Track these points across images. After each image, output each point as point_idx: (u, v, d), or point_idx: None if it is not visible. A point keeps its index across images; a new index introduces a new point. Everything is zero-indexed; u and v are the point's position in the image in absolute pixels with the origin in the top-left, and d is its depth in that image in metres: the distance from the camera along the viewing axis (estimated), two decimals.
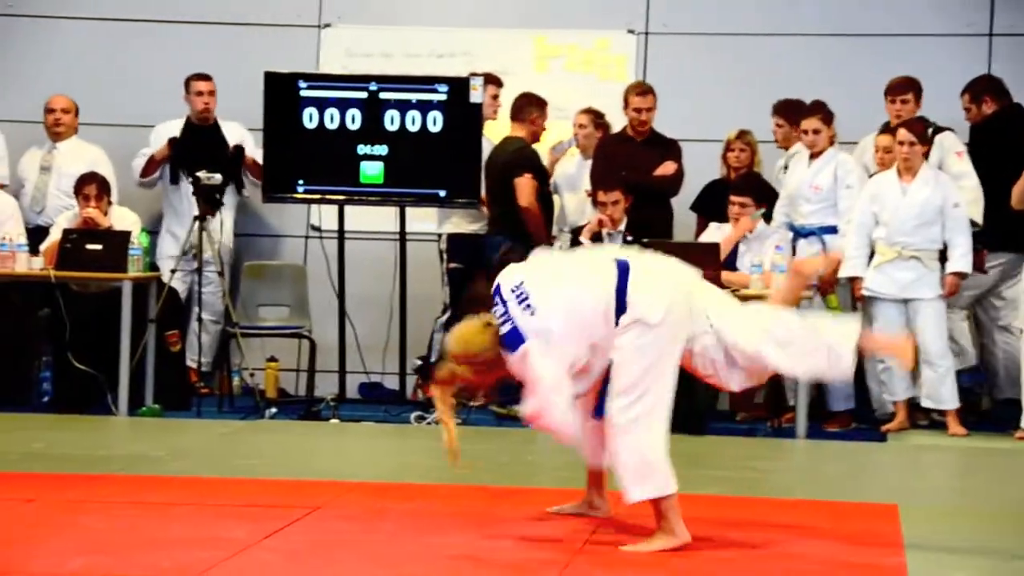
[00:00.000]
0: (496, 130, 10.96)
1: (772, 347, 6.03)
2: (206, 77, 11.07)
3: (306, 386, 10.84)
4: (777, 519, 6.79)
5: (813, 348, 6.04)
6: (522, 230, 10.36)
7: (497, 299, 5.93)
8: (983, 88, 10.61)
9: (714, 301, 6.21)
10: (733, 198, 10.23)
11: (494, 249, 10.42)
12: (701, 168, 10.78)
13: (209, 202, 10.54)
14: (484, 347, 5.94)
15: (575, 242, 10.19)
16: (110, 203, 10.49)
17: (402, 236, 10.81)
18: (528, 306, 5.86)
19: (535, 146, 10.75)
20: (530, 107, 10.67)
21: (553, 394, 5.85)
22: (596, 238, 10.19)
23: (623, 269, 6.01)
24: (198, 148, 10.97)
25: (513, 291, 5.90)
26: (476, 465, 6.54)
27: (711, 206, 10.64)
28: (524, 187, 10.44)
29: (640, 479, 5.93)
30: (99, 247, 10.12)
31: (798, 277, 6.79)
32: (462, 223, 10.92)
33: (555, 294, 5.91)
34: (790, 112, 10.65)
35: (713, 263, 9.80)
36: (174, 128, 11.10)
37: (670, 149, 10.64)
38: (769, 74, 11.28)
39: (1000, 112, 10.56)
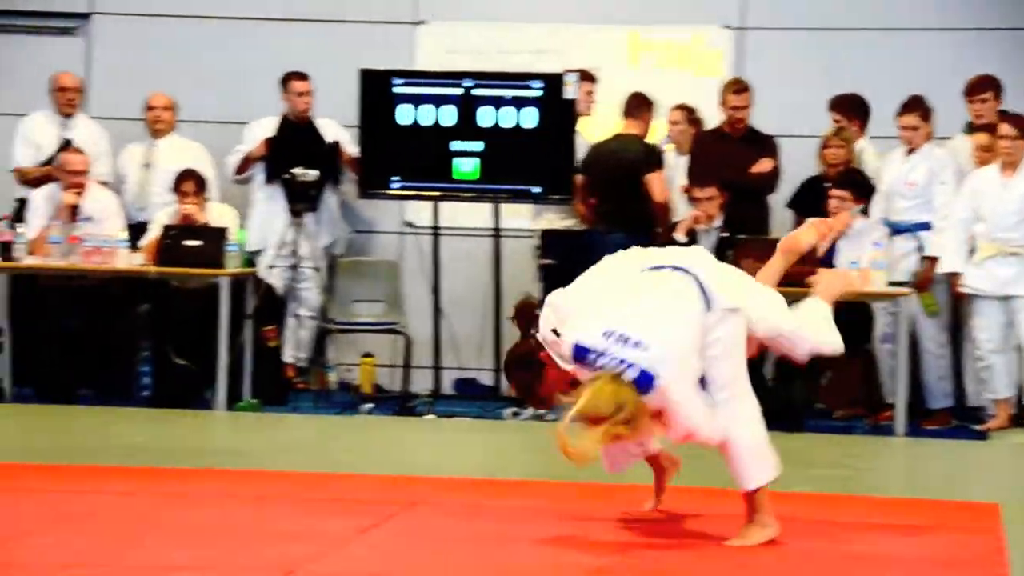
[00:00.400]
0: (590, 126, 10.94)
1: (794, 323, 6.17)
2: (304, 76, 11.12)
3: (401, 382, 10.88)
4: (875, 518, 6.74)
5: (814, 324, 6.06)
6: (638, 226, 10.33)
7: (593, 356, 5.63)
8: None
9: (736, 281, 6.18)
10: (833, 192, 10.16)
11: (612, 247, 10.39)
12: (798, 165, 10.71)
13: (304, 199, 10.60)
14: (630, 398, 5.60)
15: (669, 239, 10.16)
16: (208, 199, 10.58)
17: (496, 232, 10.83)
18: (636, 343, 5.62)
19: None
20: (643, 106, 10.65)
21: (702, 415, 5.82)
22: (691, 234, 10.16)
23: (684, 270, 5.96)
24: (294, 146, 11.03)
25: (606, 336, 5.64)
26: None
27: (808, 203, 10.56)
28: (657, 183, 10.46)
29: (759, 465, 5.94)
30: (197, 243, 10.21)
31: (788, 254, 6.71)
32: (556, 219, 10.92)
33: (650, 320, 5.72)
34: (848, 108, 10.62)
35: (810, 260, 9.74)
36: (269, 126, 11.15)
37: (766, 146, 10.59)
38: (866, 70, 11.19)
39: None
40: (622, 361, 5.61)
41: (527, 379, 6.00)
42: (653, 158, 10.53)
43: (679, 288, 5.89)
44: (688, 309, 5.83)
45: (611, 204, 10.54)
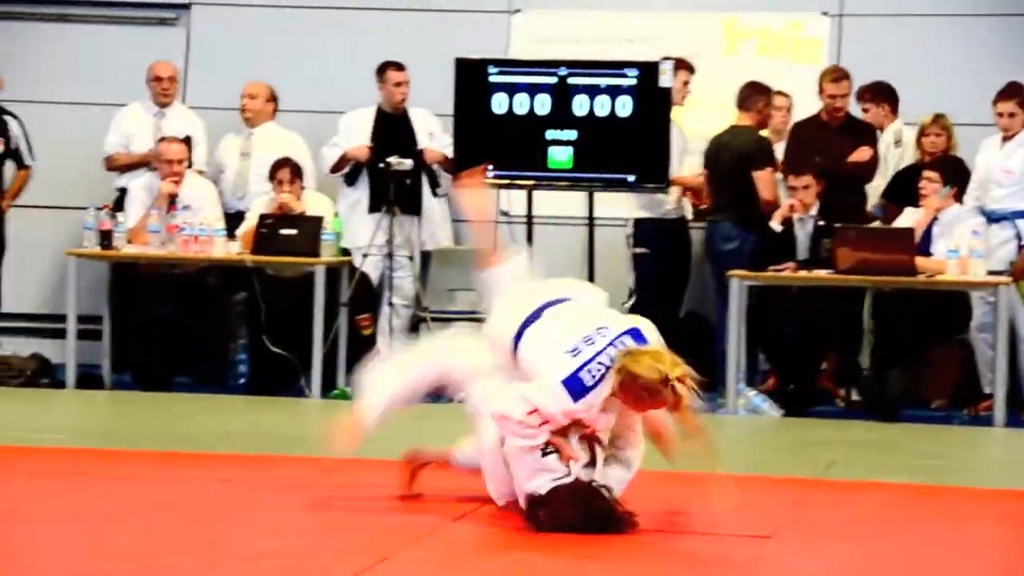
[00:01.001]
0: (683, 116, 10.89)
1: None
2: (401, 67, 11.12)
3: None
4: (972, 509, 6.67)
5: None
6: (749, 219, 10.28)
7: (586, 374, 5.55)
8: None
9: None
10: (924, 174, 10.04)
11: (724, 240, 10.40)
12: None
13: (399, 187, 10.63)
14: (653, 350, 5.63)
15: (767, 228, 10.11)
16: (303, 188, 10.63)
17: (590, 221, 10.80)
18: (600, 329, 5.63)
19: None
20: (757, 96, 10.58)
21: None
22: (787, 223, 10.09)
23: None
24: (390, 137, 11.05)
25: (575, 353, 5.59)
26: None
27: (904, 193, 10.46)
28: (766, 181, 10.41)
29: None
30: (293, 232, 10.27)
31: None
32: (649, 208, 10.88)
33: (589, 316, 5.79)
34: (875, 94, 10.53)
35: (907, 249, 9.66)
36: (365, 117, 11.15)
37: (865, 135, 10.50)
38: (965, 56, 11.06)
39: None
40: (611, 343, 5.55)
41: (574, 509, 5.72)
42: (762, 154, 10.47)
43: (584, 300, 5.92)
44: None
45: (721, 196, 10.50)
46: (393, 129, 11.11)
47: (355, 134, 11.10)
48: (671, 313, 11.01)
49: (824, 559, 5.59)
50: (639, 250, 10.84)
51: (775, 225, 10.03)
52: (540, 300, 5.89)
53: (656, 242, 10.80)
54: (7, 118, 10.96)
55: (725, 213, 10.49)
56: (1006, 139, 10.16)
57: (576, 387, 5.56)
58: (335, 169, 11.12)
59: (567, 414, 5.59)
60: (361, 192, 11.00)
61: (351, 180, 11.05)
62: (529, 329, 5.78)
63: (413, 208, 11.04)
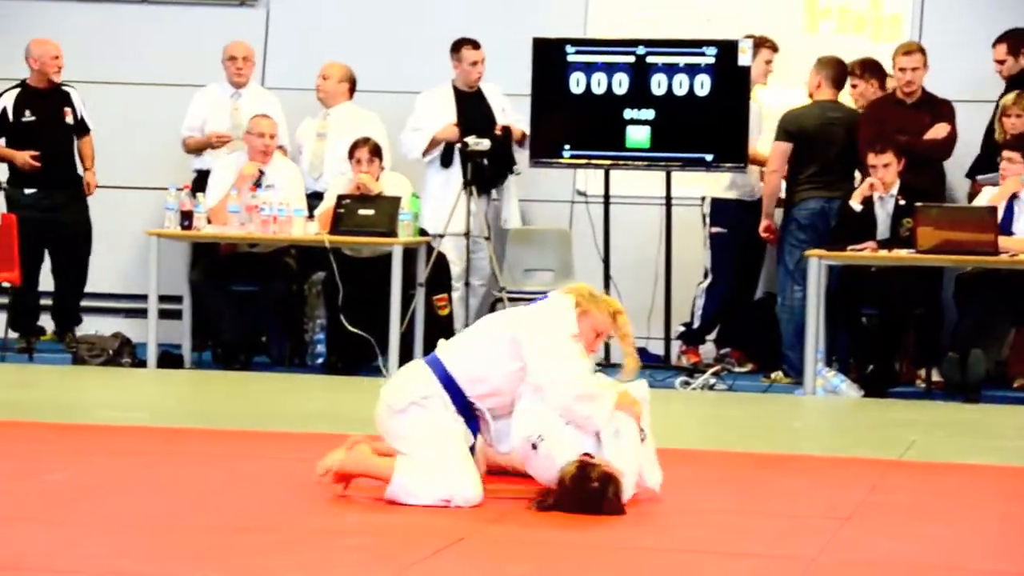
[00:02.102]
0: (762, 95, 10.82)
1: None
2: (477, 44, 11.12)
3: None
4: None
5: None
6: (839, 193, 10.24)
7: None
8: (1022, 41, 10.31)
9: None
10: (1004, 154, 9.92)
11: (823, 216, 10.29)
12: (977, 131, 10.49)
13: (477, 167, 10.63)
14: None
15: (845, 208, 10.02)
16: (382, 168, 10.65)
17: (668, 201, 10.77)
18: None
19: None
20: (842, 73, 10.47)
21: None
22: (866, 202, 10.00)
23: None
24: (468, 115, 11.05)
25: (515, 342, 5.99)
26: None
27: (987, 172, 10.35)
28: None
29: None
30: (371, 212, 10.29)
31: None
32: (727, 188, 10.83)
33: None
34: (864, 70, 10.43)
35: (989, 228, 9.56)
36: (443, 96, 11.14)
37: (942, 111, 10.37)
38: None
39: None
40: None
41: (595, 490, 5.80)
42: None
43: None
44: None
45: (822, 171, 10.33)
46: (470, 108, 11.10)
47: (436, 115, 11.07)
48: (747, 294, 10.98)
49: (903, 541, 5.56)
50: (715, 229, 10.79)
51: (855, 204, 9.95)
52: None
53: (732, 221, 10.74)
54: (67, 89, 11.07)
55: (830, 189, 10.31)
56: None
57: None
58: (426, 152, 11.06)
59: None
60: (450, 172, 10.94)
61: (447, 161, 11.00)
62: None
63: (489, 188, 11.03)
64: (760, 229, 10.53)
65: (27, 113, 10.91)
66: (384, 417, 6.03)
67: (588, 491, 5.72)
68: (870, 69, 10.57)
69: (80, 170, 11.11)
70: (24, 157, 10.81)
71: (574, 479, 5.73)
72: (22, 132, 10.89)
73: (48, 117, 10.93)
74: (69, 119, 11.02)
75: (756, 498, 6.19)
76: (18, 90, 10.95)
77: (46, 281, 11.26)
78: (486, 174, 10.84)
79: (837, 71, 10.48)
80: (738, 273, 10.87)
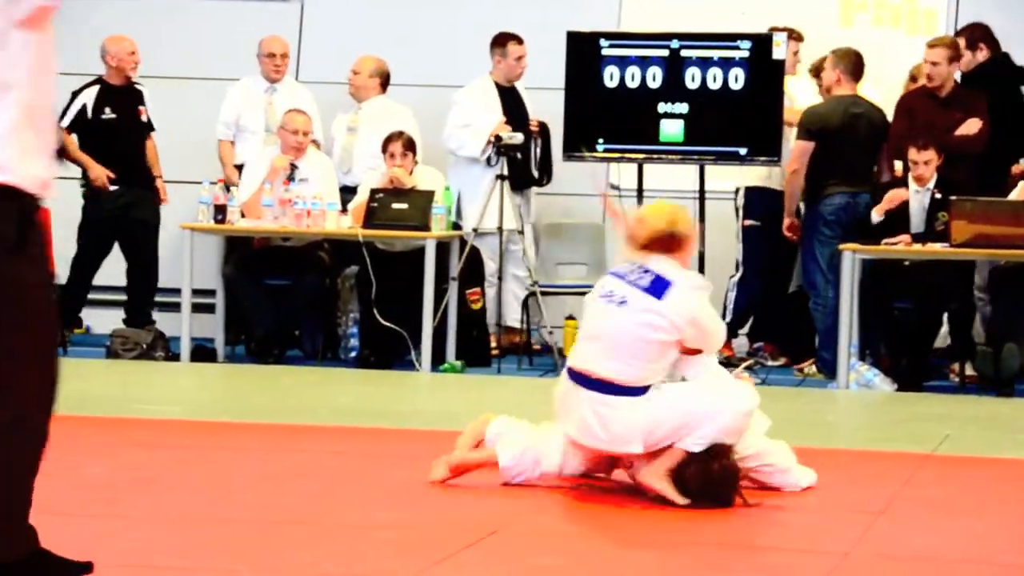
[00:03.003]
0: (793, 88, 10.79)
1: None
2: (521, 40, 11.08)
3: None
4: None
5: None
6: (879, 190, 10.22)
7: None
8: (979, 35, 10.29)
9: None
10: None
11: (853, 210, 10.26)
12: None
13: (511, 161, 10.63)
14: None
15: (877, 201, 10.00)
16: (416, 162, 10.65)
17: (701, 195, 10.75)
18: (642, 269, 6.05)
19: None
20: (860, 68, 10.43)
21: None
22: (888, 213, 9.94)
23: None
24: (509, 111, 11.02)
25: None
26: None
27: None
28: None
29: None
30: (404, 206, 10.31)
31: None
32: (760, 179, 10.80)
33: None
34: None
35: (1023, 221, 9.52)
36: (487, 91, 11.08)
37: (974, 106, 10.30)
38: None
39: (991, 61, 10.32)
40: (644, 270, 5.93)
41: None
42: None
43: None
44: None
45: (855, 167, 10.29)
46: (509, 103, 11.09)
47: (483, 110, 10.98)
48: (780, 288, 10.94)
49: (937, 535, 5.55)
50: (748, 222, 10.77)
51: (875, 216, 9.91)
52: None
53: (766, 213, 10.71)
54: (139, 87, 11.10)
55: (854, 184, 10.28)
56: None
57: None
58: (483, 151, 10.93)
59: None
60: (494, 168, 10.81)
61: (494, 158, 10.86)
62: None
63: (523, 182, 11.03)
64: (784, 228, 10.51)
65: (107, 111, 10.95)
66: None
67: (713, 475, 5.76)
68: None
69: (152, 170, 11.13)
70: (101, 174, 10.81)
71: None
72: (101, 130, 10.91)
73: (125, 115, 10.96)
74: (144, 117, 11.07)
75: (788, 492, 6.18)
76: (98, 87, 10.95)
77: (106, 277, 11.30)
78: (520, 169, 10.83)
79: (855, 63, 10.43)
80: (771, 266, 10.85)
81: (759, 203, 10.75)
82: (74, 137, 10.85)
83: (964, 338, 10.06)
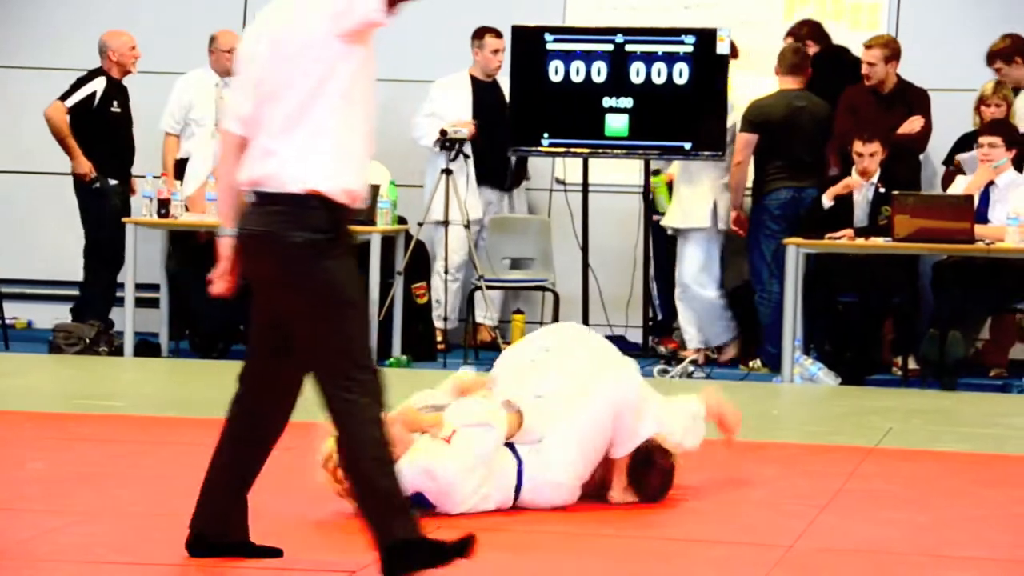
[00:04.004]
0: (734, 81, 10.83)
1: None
2: (499, 33, 11.03)
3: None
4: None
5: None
6: (814, 182, 10.26)
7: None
8: (807, 33, 10.49)
9: None
10: (982, 139, 9.91)
11: (797, 205, 10.30)
12: (955, 120, 10.49)
13: (455, 155, 10.62)
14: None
15: (818, 200, 10.04)
16: None
17: (646, 189, 10.77)
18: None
19: None
20: (807, 62, 10.47)
21: None
22: (838, 197, 9.99)
23: None
24: (484, 105, 10.97)
25: None
26: None
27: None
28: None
29: None
30: None
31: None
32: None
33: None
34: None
35: (966, 216, 9.59)
36: (460, 85, 10.99)
37: (917, 103, 10.35)
38: None
39: (821, 54, 10.47)
40: None
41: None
42: (832, 122, 10.41)
43: None
44: None
45: (799, 161, 10.31)
46: (486, 97, 11.04)
47: (453, 103, 10.94)
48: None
49: (880, 528, 5.59)
50: (657, 217, 10.83)
51: (826, 201, 9.96)
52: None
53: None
54: (124, 83, 10.99)
55: (816, 179, 10.31)
56: None
57: None
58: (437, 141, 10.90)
59: None
60: (456, 162, 10.75)
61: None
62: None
63: (499, 181, 11.03)
64: (731, 221, 10.55)
65: (114, 104, 10.86)
66: None
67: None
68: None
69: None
70: (87, 167, 10.71)
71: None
72: (109, 123, 10.81)
73: (126, 110, 10.90)
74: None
75: (734, 486, 6.21)
76: (106, 80, 10.85)
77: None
78: (491, 167, 10.87)
79: (791, 60, 10.47)
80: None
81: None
82: (67, 119, 10.75)
83: (908, 331, 10.12)
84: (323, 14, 4.63)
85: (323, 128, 4.65)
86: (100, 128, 10.76)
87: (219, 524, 4.92)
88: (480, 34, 11.00)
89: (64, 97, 10.67)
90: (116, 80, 10.83)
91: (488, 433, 5.64)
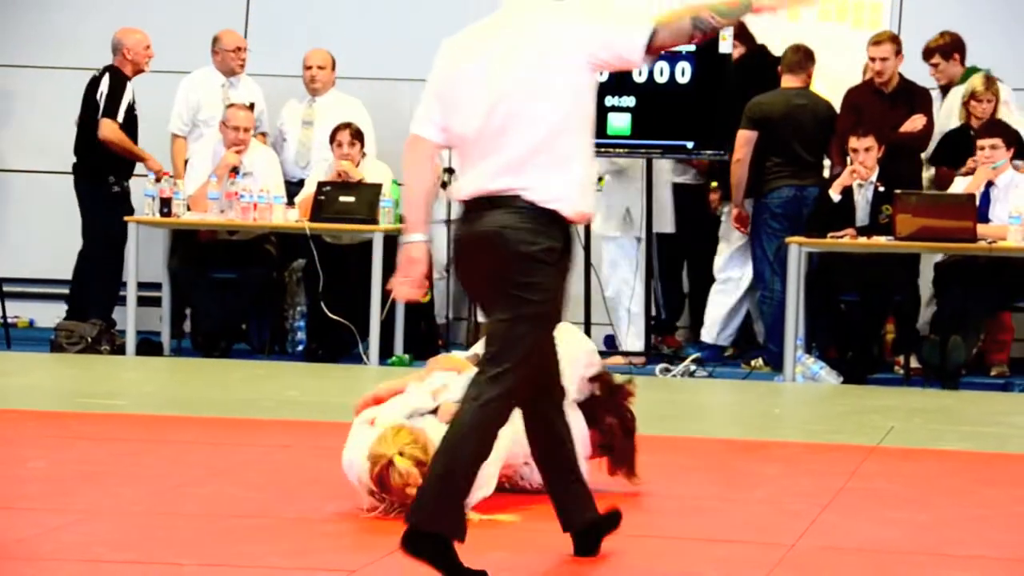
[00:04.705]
0: None
1: None
2: None
3: None
4: None
5: None
6: (825, 183, 10.26)
7: None
8: (734, 32, 10.49)
9: None
10: (982, 142, 9.91)
11: (799, 204, 10.28)
12: (955, 120, 10.48)
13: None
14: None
15: (824, 196, 10.03)
16: (364, 154, 10.62)
17: (648, 188, 10.76)
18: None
19: None
20: (808, 61, 10.48)
21: None
22: (845, 191, 9.99)
23: None
24: None
25: None
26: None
27: (953, 156, 10.36)
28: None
29: None
30: (351, 199, 10.28)
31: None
32: (677, 175, 10.88)
33: None
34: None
35: (968, 215, 9.58)
36: None
37: (919, 102, 10.34)
38: None
39: (748, 55, 10.54)
40: None
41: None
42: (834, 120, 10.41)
43: None
44: None
45: (791, 159, 10.31)
46: None
47: None
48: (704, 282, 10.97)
49: (882, 527, 5.58)
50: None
51: (834, 195, 9.95)
52: None
53: (687, 208, 10.79)
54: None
55: (817, 177, 10.31)
56: None
57: None
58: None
59: None
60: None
61: None
62: None
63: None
64: (732, 218, 10.54)
65: (136, 105, 10.88)
66: None
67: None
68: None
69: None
70: (159, 165, 10.76)
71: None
72: (130, 124, 10.84)
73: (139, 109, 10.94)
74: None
75: (736, 485, 6.21)
76: (128, 83, 10.83)
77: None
78: None
79: (791, 59, 10.47)
80: (695, 263, 10.96)
81: (679, 198, 10.82)
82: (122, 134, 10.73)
83: (909, 330, 10.11)
84: (580, 41, 4.81)
85: (570, 154, 4.82)
86: (133, 131, 10.78)
87: (580, 514, 5.09)
88: None
89: (110, 114, 10.60)
90: (129, 79, 10.82)
91: None
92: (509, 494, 5.81)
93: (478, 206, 4.82)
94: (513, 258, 4.76)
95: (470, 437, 4.72)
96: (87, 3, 12.09)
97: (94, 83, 10.76)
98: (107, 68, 10.79)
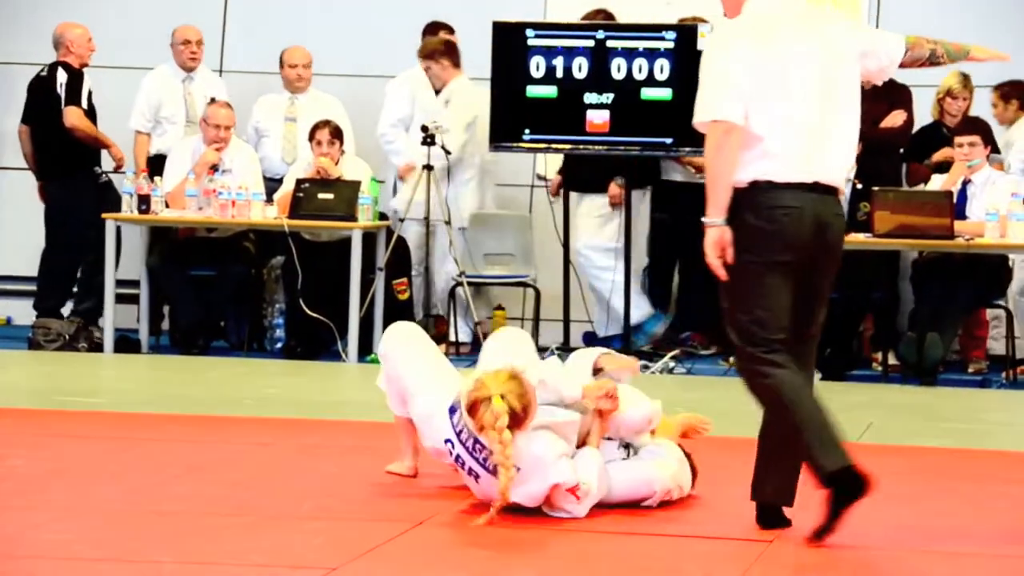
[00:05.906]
0: None
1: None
2: (452, 29, 11.05)
3: (530, 335, 10.87)
4: (1009, 473, 6.65)
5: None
6: None
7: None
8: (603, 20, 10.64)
9: None
10: (960, 139, 9.93)
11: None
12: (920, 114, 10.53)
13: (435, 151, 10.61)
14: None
15: None
16: (343, 151, 10.61)
17: (628, 185, 10.77)
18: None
19: None
20: None
21: None
22: None
23: None
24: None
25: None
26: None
27: (925, 154, 10.39)
28: None
29: None
30: (330, 196, 10.27)
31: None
32: (668, 172, 10.89)
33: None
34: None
35: (946, 212, 9.61)
36: (413, 82, 11.02)
37: (899, 98, 10.37)
38: (1009, 12, 10.97)
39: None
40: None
41: None
42: None
43: None
44: None
45: None
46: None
47: (413, 104, 10.98)
48: (696, 278, 10.98)
49: (859, 522, 5.59)
50: (657, 215, 10.82)
51: None
52: None
53: (675, 206, 10.80)
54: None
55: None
56: None
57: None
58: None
59: None
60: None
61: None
62: None
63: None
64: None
65: (92, 96, 10.87)
66: None
67: None
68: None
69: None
70: (121, 154, 10.77)
71: None
72: (92, 114, 10.84)
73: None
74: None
75: (715, 481, 6.21)
76: (77, 74, 10.82)
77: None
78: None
79: None
80: (688, 257, 10.95)
81: (667, 196, 10.82)
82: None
83: (888, 327, 10.14)
84: (852, 43, 5.39)
85: (854, 141, 5.52)
86: (91, 122, 10.79)
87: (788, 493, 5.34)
88: (434, 30, 11.08)
89: (73, 102, 10.62)
90: (80, 71, 10.81)
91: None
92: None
93: (816, 189, 5.28)
94: (840, 246, 5.49)
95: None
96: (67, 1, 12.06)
97: (48, 78, 10.74)
98: (57, 63, 10.78)
